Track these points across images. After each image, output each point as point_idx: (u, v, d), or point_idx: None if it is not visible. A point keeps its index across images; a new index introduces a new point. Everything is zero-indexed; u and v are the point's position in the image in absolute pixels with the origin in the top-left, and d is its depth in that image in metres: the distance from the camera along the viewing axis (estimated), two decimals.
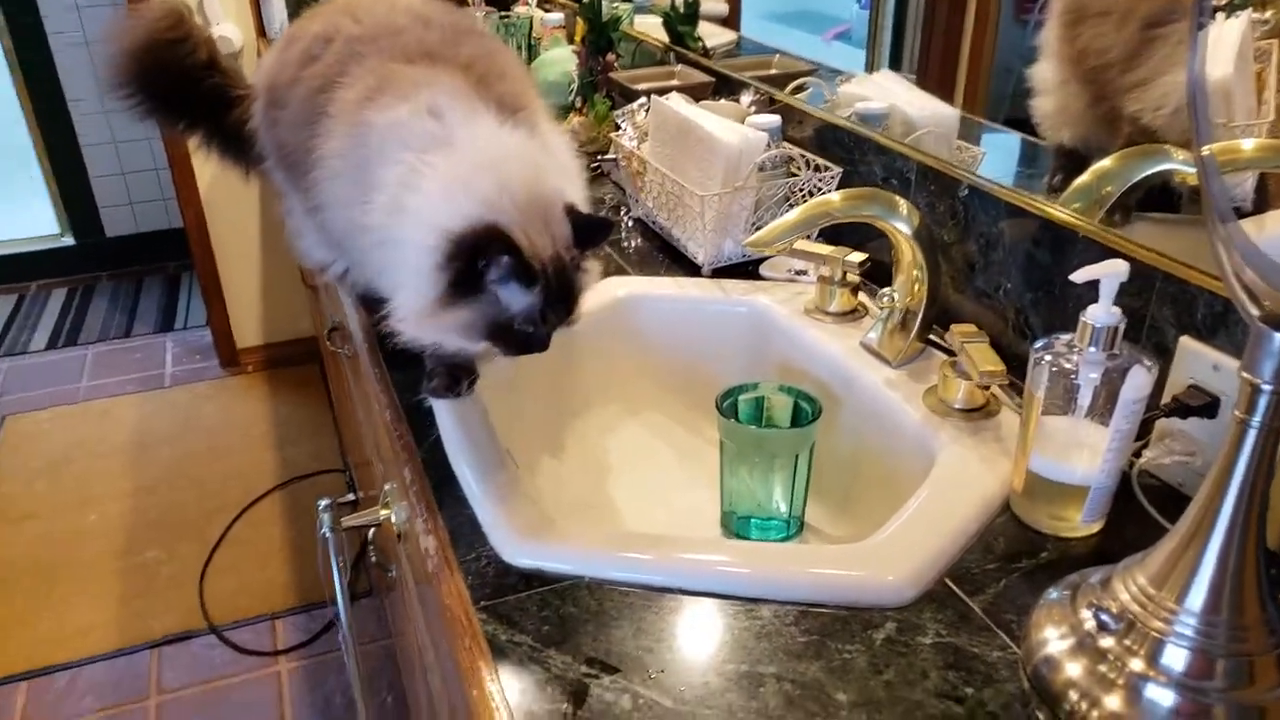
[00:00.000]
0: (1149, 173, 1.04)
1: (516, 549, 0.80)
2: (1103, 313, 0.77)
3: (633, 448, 1.18)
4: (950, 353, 1.03)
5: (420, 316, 0.85)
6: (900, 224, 1.00)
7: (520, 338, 0.88)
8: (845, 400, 1.07)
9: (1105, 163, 1.05)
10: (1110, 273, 0.76)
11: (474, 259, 0.82)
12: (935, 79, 1.27)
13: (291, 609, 2.14)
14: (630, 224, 1.46)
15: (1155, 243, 0.93)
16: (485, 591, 0.77)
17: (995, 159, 1.16)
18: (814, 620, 0.74)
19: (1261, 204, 0.86)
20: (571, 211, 0.87)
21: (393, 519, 1.11)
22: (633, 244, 1.39)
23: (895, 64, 1.38)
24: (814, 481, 1.03)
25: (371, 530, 1.15)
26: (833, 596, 0.76)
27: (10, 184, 4.22)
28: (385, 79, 0.91)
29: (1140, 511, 0.85)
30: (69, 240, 3.94)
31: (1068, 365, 0.79)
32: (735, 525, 1.05)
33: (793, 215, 0.99)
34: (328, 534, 1.07)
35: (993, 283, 1.06)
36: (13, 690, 1.97)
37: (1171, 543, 0.66)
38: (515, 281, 0.84)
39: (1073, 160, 1.07)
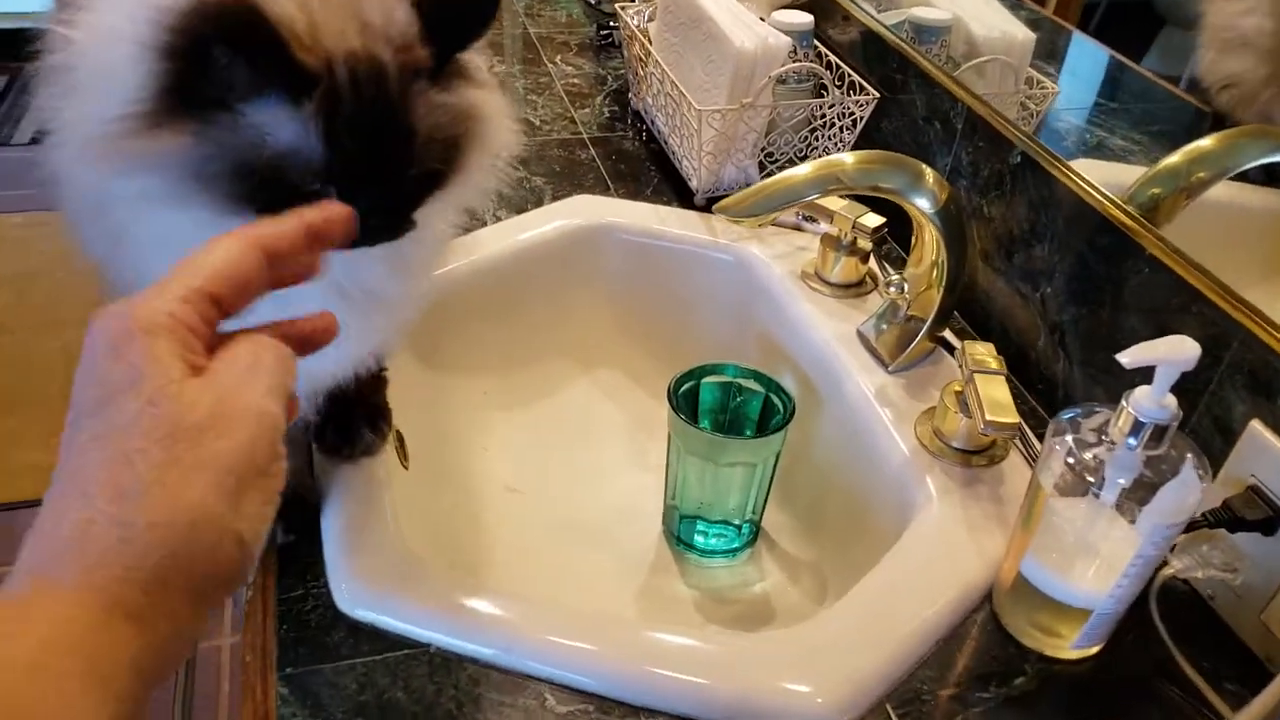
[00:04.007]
0: (1261, 163, 0.81)
1: (357, 595, 0.64)
2: (1153, 405, 0.57)
3: (577, 412, 1.01)
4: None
5: (111, 140, 0.48)
6: (924, 202, 0.78)
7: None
8: (827, 401, 0.88)
9: (1204, 143, 0.82)
10: (1171, 359, 0.56)
11: (204, 51, 0.46)
12: None
13: None
14: (628, 119, 1.24)
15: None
16: (299, 651, 0.61)
17: (1075, 93, 0.92)
18: None
19: None
20: None
21: None
22: (625, 144, 1.18)
23: None
24: (780, 480, 0.86)
25: None
26: (738, 713, 0.60)
27: None
28: None
29: (1153, 633, 0.66)
30: None
31: (1091, 458, 0.60)
32: (679, 527, 0.89)
33: (792, 176, 0.78)
34: None
35: (1033, 280, 0.85)
36: None
37: None
38: (274, 93, 0.48)
39: None
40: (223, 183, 0.49)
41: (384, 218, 0.53)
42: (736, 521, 0.88)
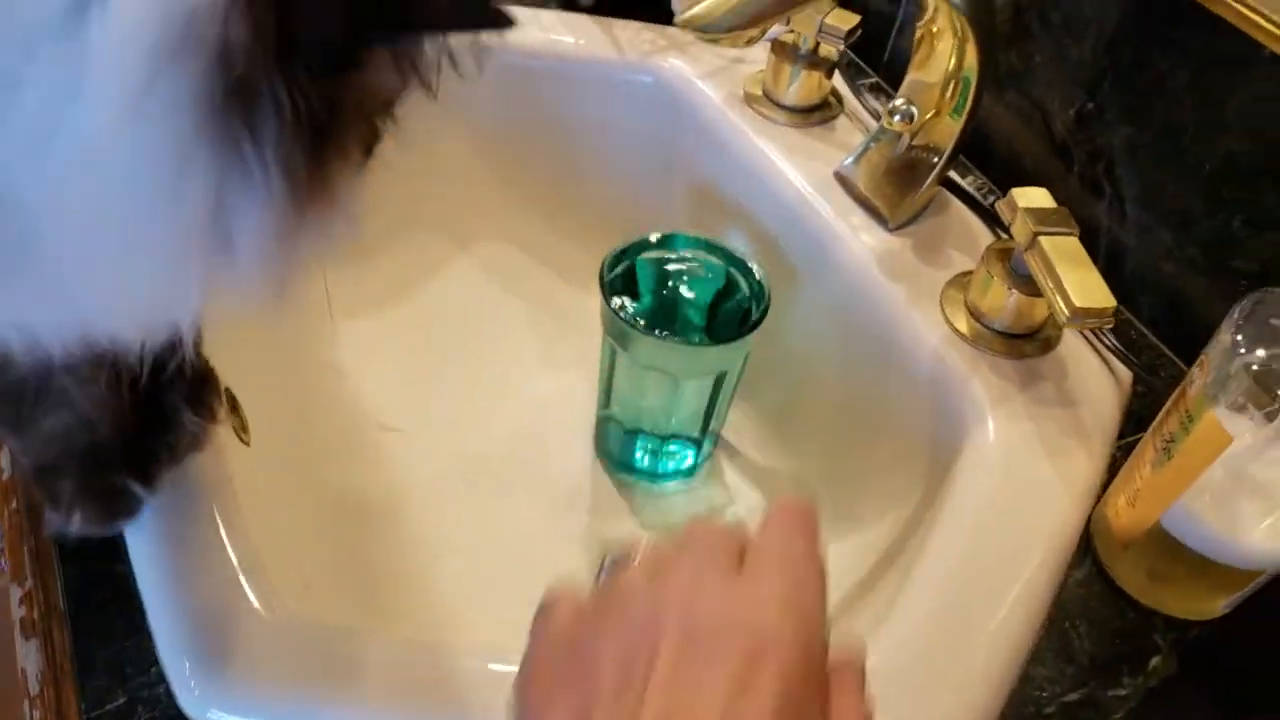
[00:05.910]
0: None
1: (215, 689, 0.40)
2: None
3: (460, 302, 0.75)
4: (996, 222, 0.64)
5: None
6: None
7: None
8: (804, 273, 0.66)
9: None
10: None
11: None
12: None
13: None
14: None
15: None
16: None
17: None
18: None
19: None
20: None
21: None
22: None
23: None
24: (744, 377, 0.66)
25: None
26: None
27: None
28: None
29: None
30: None
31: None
32: (618, 446, 0.68)
33: None
34: None
35: (1064, 92, 0.65)
36: None
37: None
38: None
39: None
40: None
41: None
42: (692, 435, 0.67)
